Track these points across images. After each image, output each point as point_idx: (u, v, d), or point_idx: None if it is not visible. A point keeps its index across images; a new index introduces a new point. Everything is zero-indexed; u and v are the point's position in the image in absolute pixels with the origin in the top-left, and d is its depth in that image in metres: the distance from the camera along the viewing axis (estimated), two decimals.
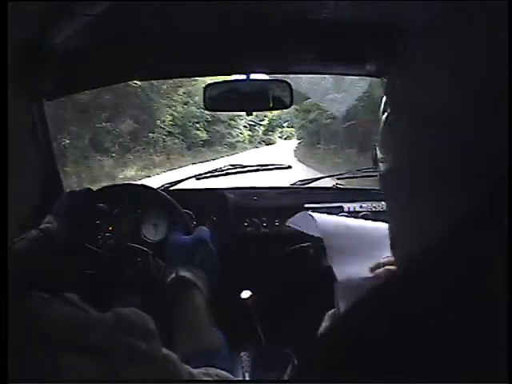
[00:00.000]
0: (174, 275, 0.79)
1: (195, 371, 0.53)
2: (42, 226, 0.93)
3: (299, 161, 12.16)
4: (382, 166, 0.40)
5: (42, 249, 0.89)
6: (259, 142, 25.78)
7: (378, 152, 0.40)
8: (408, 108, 0.34)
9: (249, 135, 22.97)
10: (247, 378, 1.10)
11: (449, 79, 0.30)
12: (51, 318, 0.37)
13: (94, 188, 1.26)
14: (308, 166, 10.55)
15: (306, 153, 14.71)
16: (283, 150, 18.12)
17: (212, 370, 0.60)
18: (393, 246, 0.39)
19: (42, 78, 0.38)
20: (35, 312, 0.37)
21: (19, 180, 0.37)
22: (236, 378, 0.60)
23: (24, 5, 0.33)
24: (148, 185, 1.35)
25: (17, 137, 0.37)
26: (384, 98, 0.39)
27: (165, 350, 0.47)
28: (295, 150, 17.10)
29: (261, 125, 25.36)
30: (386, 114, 0.38)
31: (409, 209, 0.34)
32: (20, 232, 0.79)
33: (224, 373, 0.61)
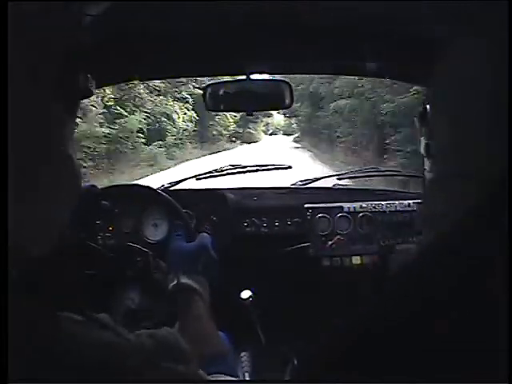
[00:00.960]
0: (175, 282, 0.80)
1: None
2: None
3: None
4: (427, 167, 0.40)
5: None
6: (231, 139, 19.08)
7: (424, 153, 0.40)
8: (449, 111, 0.34)
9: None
10: (247, 378, 1.10)
11: (485, 82, 0.30)
12: (88, 344, 0.35)
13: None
14: None
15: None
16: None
17: (221, 378, 0.60)
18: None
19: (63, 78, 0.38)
20: (71, 336, 0.34)
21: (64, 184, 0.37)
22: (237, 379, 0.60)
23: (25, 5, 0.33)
24: (148, 185, 1.35)
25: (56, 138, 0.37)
26: (428, 105, 0.39)
27: (200, 371, 0.46)
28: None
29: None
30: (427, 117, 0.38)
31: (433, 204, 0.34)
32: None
33: (231, 378, 0.61)
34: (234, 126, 20.27)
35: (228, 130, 19.60)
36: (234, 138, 19.53)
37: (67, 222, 0.40)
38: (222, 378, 0.60)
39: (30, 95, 0.34)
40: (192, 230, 1.15)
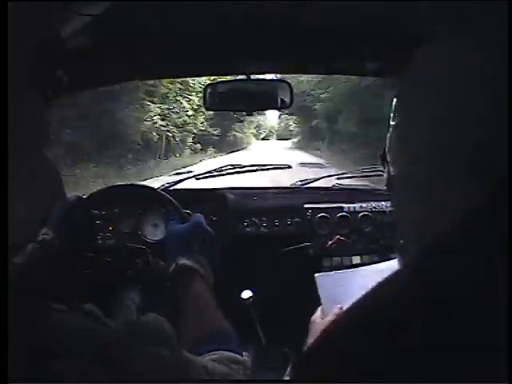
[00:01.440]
0: (174, 265, 0.79)
1: (210, 363, 0.53)
2: (39, 238, 0.93)
3: None
4: (390, 167, 0.40)
5: (42, 260, 0.89)
6: (198, 147, 12.45)
7: (387, 153, 0.40)
8: (418, 110, 0.34)
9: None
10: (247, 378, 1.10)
11: (459, 81, 0.30)
12: (73, 332, 0.36)
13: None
14: None
15: None
16: None
17: (225, 354, 0.60)
18: (398, 246, 0.40)
19: (51, 77, 0.38)
20: (56, 325, 0.36)
21: (34, 185, 0.37)
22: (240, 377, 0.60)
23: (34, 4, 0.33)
24: (148, 185, 1.35)
25: (35, 139, 0.37)
26: (394, 101, 0.39)
27: (186, 354, 0.47)
28: None
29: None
30: (395, 117, 0.38)
31: (416, 208, 0.34)
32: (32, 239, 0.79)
33: (235, 355, 0.61)
34: (206, 125, 13.63)
35: (194, 132, 13.34)
36: (199, 145, 11.80)
37: (54, 222, 0.41)
38: (226, 355, 0.59)
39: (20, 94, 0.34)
40: (183, 213, 1.14)
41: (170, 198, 1.19)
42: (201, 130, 14.08)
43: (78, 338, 0.36)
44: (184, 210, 1.22)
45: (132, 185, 1.41)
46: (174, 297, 0.77)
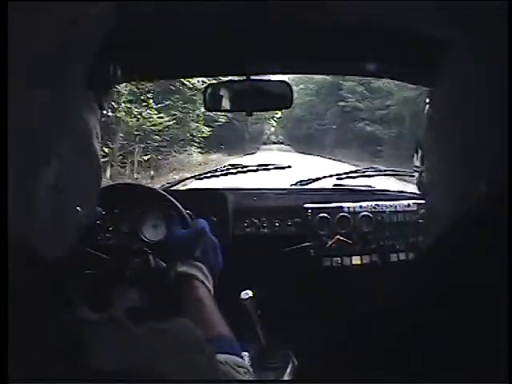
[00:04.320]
0: (173, 272, 0.80)
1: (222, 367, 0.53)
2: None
3: None
4: (425, 164, 0.40)
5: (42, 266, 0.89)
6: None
7: (420, 151, 0.40)
8: (451, 112, 0.34)
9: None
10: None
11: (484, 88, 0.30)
12: (73, 332, 0.35)
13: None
14: None
15: None
16: None
17: (230, 358, 0.60)
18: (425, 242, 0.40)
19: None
20: (56, 325, 0.35)
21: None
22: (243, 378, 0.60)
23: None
24: (147, 185, 1.35)
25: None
26: (427, 106, 0.39)
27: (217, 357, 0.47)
28: None
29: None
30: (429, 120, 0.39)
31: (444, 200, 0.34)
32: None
33: (235, 358, 0.61)
34: None
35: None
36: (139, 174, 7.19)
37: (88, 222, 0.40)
38: (230, 359, 0.60)
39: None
40: (187, 217, 1.14)
41: (172, 199, 1.19)
42: None
43: (78, 337, 0.36)
44: (186, 211, 1.22)
45: (132, 185, 1.41)
46: (175, 299, 0.77)
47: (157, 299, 1.09)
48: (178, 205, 1.18)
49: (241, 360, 0.62)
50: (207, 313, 0.73)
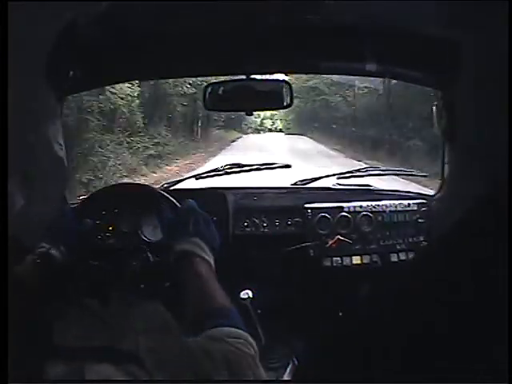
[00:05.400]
0: (172, 255, 0.81)
1: (207, 344, 0.54)
2: (37, 252, 0.93)
3: None
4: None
5: (42, 272, 0.89)
6: None
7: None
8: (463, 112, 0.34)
9: None
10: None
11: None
12: (73, 332, 0.38)
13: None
14: None
15: None
16: None
17: (225, 330, 0.61)
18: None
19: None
20: (57, 325, 0.37)
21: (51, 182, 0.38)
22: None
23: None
24: (147, 185, 1.35)
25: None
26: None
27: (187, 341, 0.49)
28: None
29: None
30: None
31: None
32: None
33: (235, 330, 0.62)
34: None
35: None
36: None
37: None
38: (226, 330, 0.61)
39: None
40: (178, 206, 1.14)
41: (166, 194, 1.20)
42: None
43: (77, 337, 0.36)
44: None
45: (132, 184, 1.41)
46: (176, 280, 0.78)
47: (156, 296, 1.09)
48: (170, 197, 1.19)
49: (243, 332, 0.62)
50: (208, 287, 0.74)
